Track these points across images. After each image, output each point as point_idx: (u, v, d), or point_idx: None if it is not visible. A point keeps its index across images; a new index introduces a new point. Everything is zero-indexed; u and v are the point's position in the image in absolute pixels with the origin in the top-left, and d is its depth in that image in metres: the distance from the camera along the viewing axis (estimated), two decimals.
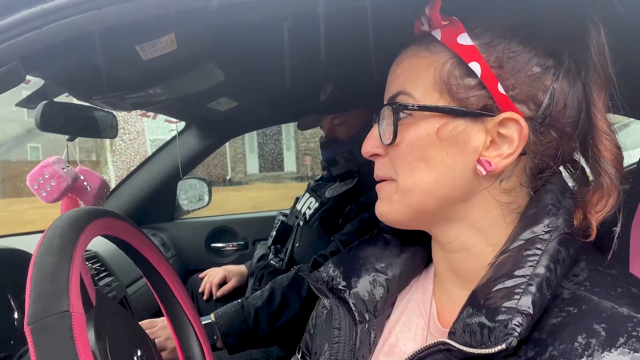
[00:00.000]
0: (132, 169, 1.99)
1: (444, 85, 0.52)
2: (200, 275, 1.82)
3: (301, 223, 1.54)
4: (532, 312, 0.45)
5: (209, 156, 2.00)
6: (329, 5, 0.61)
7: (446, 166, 0.53)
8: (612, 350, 0.42)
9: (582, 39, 0.52)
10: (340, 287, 0.63)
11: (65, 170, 1.10)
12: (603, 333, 0.43)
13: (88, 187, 1.16)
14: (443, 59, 0.53)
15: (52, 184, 1.09)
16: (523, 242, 0.50)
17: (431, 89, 0.53)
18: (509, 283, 0.47)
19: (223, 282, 1.74)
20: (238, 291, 1.73)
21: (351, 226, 1.35)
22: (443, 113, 0.52)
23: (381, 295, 0.63)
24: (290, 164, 16.20)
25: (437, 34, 0.53)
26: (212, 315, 1.27)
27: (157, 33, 0.69)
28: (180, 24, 0.57)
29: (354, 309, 0.62)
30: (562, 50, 0.52)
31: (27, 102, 1.03)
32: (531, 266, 0.47)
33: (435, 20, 0.52)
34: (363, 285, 0.63)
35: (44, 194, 1.09)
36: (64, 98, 1.13)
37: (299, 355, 0.75)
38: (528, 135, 0.51)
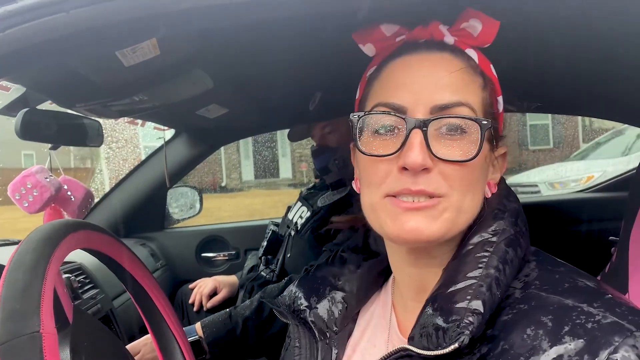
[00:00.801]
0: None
1: (486, 110, 0.54)
2: (190, 285, 1.78)
3: (292, 233, 1.52)
4: (482, 311, 0.47)
5: (199, 164, 1.96)
6: (317, 8, 0.59)
7: (481, 189, 0.55)
8: (558, 338, 0.44)
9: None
10: (301, 307, 0.64)
11: (48, 179, 1.07)
12: (550, 324, 0.45)
13: (72, 197, 1.13)
14: (482, 83, 0.55)
15: (35, 194, 1.06)
16: (472, 246, 0.52)
17: (482, 110, 0.54)
18: (461, 285, 0.49)
19: (213, 293, 1.71)
20: (229, 302, 1.69)
21: (343, 236, 1.32)
22: (492, 136, 0.55)
23: (340, 311, 0.64)
24: (285, 170, 16.17)
25: (474, 55, 0.56)
26: (198, 324, 1.24)
27: (136, 38, 0.66)
28: (156, 28, 0.55)
29: (313, 327, 0.62)
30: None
31: (7, 110, 1.00)
32: (481, 267, 0.50)
33: (483, 40, 0.55)
34: (323, 304, 0.64)
35: (26, 205, 1.06)
36: (47, 106, 1.10)
37: None
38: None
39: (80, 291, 1.20)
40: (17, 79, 0.87)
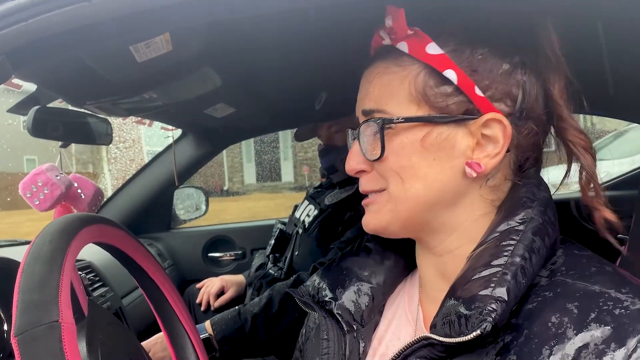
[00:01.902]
0: (128, 177, 1.97)
1: (420, 97, 0.53)
2: (198, 285, 1.78)
3: (300, 231, 1.52)
4: (506, 299, 0.46)
5: (206, 164, 1.97)
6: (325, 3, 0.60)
7: (434, 172, 0.54)
8: (583, 325, 0.43)
9: (533, 34, 0.54)
10: (326, 299, 0.63)
11: (58, 177, 1.08)
12: (575, 311, 0.44)
13: (82, 194, 1.13)
14: (415, 71, 0.53)
15: (45, 191, 1.07)
16: (498, 234, 0.51)
17: (407, 102, 0.54)
18: (485, 272, 0.48)
19: (221, 293, 1.71)
20: (236, 301, 1.69)
21: (350, 233, 1.32)
22: (427, 122, 0.53)
23: (366, 304, 0.63)
24: (287, 173, 16.18)
25: (404, 46, 0.54)
26: (207, 322, 1.24)
27: (151, 32, 0.67)
28: (173, 20, 0.55)
29: (340, 319, 0.61)
30: (520, 45, 0.53)
31: (19, 108, 1.01)
32: (506, 256, 0.49)
33: (401, 31, 0.53)
34: (348, 295, 0.63)
35: (37, 202, 1.07)
36: (57, 104, 1.11)
37: None
38: (512, 132, 0.52)
39: (90, 289, 1.20)
40: (29, 76, 0.87)
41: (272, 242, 1.62)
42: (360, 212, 0.60)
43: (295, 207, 1.66)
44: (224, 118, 1.51)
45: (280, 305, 1.25)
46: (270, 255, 1.60)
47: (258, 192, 15.56)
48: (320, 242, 1.42)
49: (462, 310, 0.47)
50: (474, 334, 0.45)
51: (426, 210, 0.55)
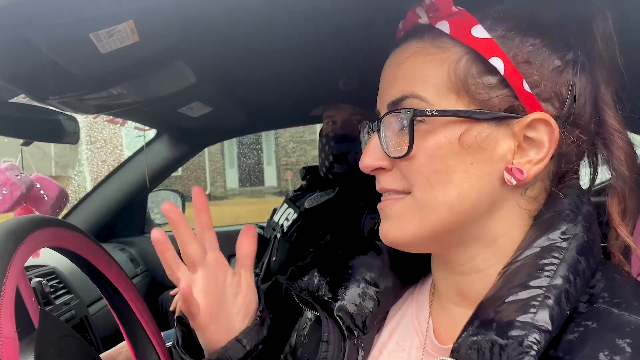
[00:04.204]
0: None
1: (460, 85, 0.46)
2: (172, 292, 1.71)
3: (278, 235, 1.46)
4: (550, 329, 0.39)
5: (181, 166, 1.91)
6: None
7: (472, 177, 0.47)
8: None
9: (588, 28, 0.47)
10: (326, 298, 0.57)
11: (19, 177, 1.01)
12: (628, 349, 0.38)
13: (45, 196, 1.06)
14: (456, 55, 0.47)
15: (4, 192, 1.00)
16: (538, 249, 0.44)
17: (446, 90, 0.47)
18: (524, 295, 0.41)
19: None
20: None
21: (331, 237, 1.27)
22: (465, 117, 0.46)
23: (371, 309, 0.56)
24: (270, 178, 16.10)
25: (444, 26, 0.47)
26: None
27: (112, 17, 0.62)
28: (135, 4, 0.50)
29: (341, 322, 0.55)
30: (572, 41, 0.47)
31: None
32: (548, 276, 0.42)
33: (445, 8, 0.46)
34: (351, 297, 0.56)
35: None
36: (21, 101, 1.04)
37: None
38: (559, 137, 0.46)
39: (52, 296, 1.13)
40: None
41: None
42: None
43: (274, 211, 1.61)
44: (201, 117, 1.46)
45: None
46: None
47: (240, 196, 15.45)
48: (300, 247, 1.37)
49: (496, 337, 0.40)
50: None
51: (459, 222, 0.48)
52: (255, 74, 1.18)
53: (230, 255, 2.11)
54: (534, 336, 0.38)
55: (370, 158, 0.51)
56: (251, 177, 16.11)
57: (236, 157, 16.03)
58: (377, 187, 0.53)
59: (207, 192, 15.24)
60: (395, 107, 0.49)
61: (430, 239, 0.50)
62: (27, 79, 0.89)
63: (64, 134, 1.13)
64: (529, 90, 0.45)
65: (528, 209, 0.48)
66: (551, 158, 0.47)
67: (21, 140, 1.07)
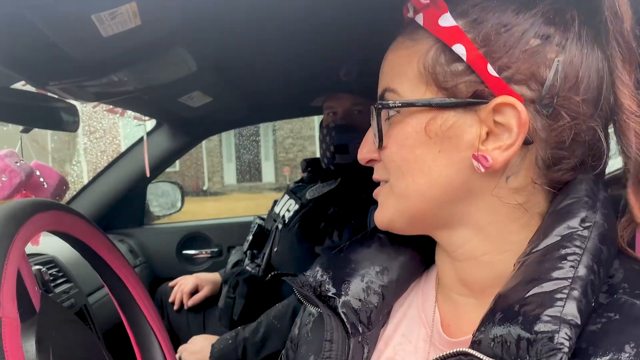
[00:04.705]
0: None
1: (429, 76, 0.46)
2: (171, 284, 1.71)
3: (280, 226, 1.46)
4: (579, 322, 0.37)
5: (181, 157, 1.90)
6: None
7: (440, 165, 0.47)
8: None
9: (593, 2, 0.44)
10: (329, 294, 0.55)
11: (18, 164, 1.00)
12: None
13: (45, 183, 1.05)
14: (426, 46, 0.47)
15: (3, 179, 0.99)
16: (559, 238, 0.42)
17: (417, 82, 0.47)
18: (548, 286, 0.39)
19: (195, 291, 1.64)
20: (210, 301, 1.62)
21: (339, 237, 1.27)
22: (430, 107, 0.46)
23: (376, 304, 0.54)
24: (268, 174, 16.08)
25: (420, 18, 0.47)
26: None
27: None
28: None
29: (345, 319, 0.53)
30: (568, 12, 0.44)
31: None
32: (572, 267, 0.40)
33: (416, 2, 0.46)
34: (355, 292, 0.54)
35: None
36: (20, 87, 1.04)
37: None
38: (529, 121, 0.43)
39: (52, 284, 1.12)
40: None
41: (250, 237, 1.55)
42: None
43: (275, 202, 1.60)
44: (201, 108, 1.45)
45: (266, 329, 1.24)
46: (248, 252, 1.53)
47: (238, 192, 15.44)
48: (301, 238, 1.36)
49: (522, 332, 0.38)
50: None
51: (435, 207, 0.49)
52: (255, 64, 1.17)
53: (229, 247, 2.11)
54: (565, 331, 0.37)
55: (364, 150, 0.54)
56: (250, 170, 16.07)
57: (234, 152, 16.01)
58: (374, 178, 0.55)
59: (204, 188, 15.22)
60: (381, 99, 0.51)
61: (412, 223, 0.52)
62: (27, 63, 0.88)
63: (64, 121, 1.12)
64: (495, 74, 0.43)
65: (514, 202, 0.47)
66: (530, 143, 0.45)
67: (20, 129, 1.06)
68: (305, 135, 14.89)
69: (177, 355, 1.37)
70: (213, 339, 1.35)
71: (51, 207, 0.65)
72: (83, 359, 0.66)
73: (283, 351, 0.67)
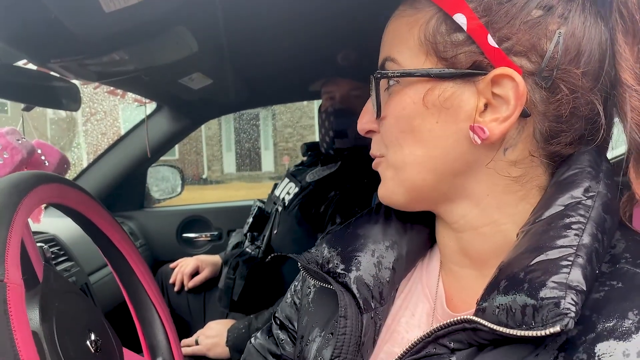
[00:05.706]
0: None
1: (429, 45, 0.46)
2: (172, 265, 1.72)
3: (280, 209, 1.46)
4: (585, 289, 0.37)
5: (181, 140, 1.90)
6: None
7: (437, 137, 0.47)
8: None
9: None
10: (338, 270, 0.54)
11: (20, 142, 1.00)
12: None
13: (46, 161, 1.06)
14: (428, 15, 0.46)
15: (5, 156, 0.99)
16: (562, 207, 0.42)
17: (417, 51, 0.47)
18: (553, 254, 0.39)
19: (195, 273, 1.65)
20: (211, 282, 1.63)
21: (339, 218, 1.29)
22: (429, 77, 0.46)
23: (388, 279, 0.54)
24: (267, 163, 16.06)
25: None
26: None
27: None
28: None
29: (357, 295, 0.53)
30: None
31: None
32: (577, 235, 0.40)
33: None
34: (366, 267, 0.54)
35: None
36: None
37: (280, 332, 0.66)
38: (527, 93, 0.43)
39: (53, 262, 1.13)
40: None
41: (250, 220, 1.56)
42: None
43: (275, 186, 1.61)
44: (201, 90, 1.45)
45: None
46: (248, 234, 1.54)
47: (237, 181, 15.44)
48: (301, 220, 1.37)
49: (527, 298, 0.38)
50: (551, 330, 0.36)
51: (433, 180, 0.48)
52: (256, 46, 1.17)
53: (229, 230, 2.11)
54: (571, 297, 0.37)
55: (364, 119, 0.54)
56: (250, 159, 16.05)
57: (234, 141, 15.98)
58: (370, 153, 0.55)
59: (204, 177, 15.22)
60: (381, 69, 0.50)
61: (411, 197, 0.51)
62: (29, 40, 0.88)
63: (65, 100, 1.12)
64: (495, 45, 0.43)
65: (512, 175, 0.47)
66: (528, 116, 0.45)
67: (22, 107, 1.07)
68: (304, 125, 14.85)
69: (193, 339, 1.39)
70: (228, 324, 1.38)
71: (55, 180, 0.66)
72: (85, 330, 0.67)
73: (279, 312, 0.67)
